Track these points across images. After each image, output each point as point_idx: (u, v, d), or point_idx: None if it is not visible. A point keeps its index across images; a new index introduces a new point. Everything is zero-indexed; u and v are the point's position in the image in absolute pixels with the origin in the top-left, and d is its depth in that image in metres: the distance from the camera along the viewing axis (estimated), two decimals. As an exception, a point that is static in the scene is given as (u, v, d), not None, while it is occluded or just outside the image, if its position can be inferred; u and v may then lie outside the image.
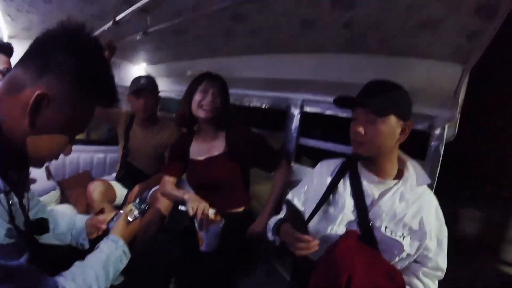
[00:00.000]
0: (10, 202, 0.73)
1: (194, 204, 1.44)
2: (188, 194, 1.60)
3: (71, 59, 0.75)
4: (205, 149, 1.76)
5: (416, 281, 1.13)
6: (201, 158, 1.76)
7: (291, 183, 1.73)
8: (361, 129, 1.11)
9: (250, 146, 1.69)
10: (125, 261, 1.02)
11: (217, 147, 1.73)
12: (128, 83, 2.31)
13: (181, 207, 1.54)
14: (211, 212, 1.44)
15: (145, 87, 2.20)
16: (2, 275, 0.62)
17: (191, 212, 1.43)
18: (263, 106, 2.19)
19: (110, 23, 1.78)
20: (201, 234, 1.44)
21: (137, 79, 2.25)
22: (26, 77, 0.73)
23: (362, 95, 1.14)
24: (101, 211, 1.67)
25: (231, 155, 1.69)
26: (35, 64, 0.74)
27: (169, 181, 1.87)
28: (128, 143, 2.41)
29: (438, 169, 1.46)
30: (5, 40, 2.37)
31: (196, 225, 1.43)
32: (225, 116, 1.71)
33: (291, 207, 1.20)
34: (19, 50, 1.85)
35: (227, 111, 1.71)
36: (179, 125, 1.90)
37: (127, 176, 2.39)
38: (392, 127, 1.09)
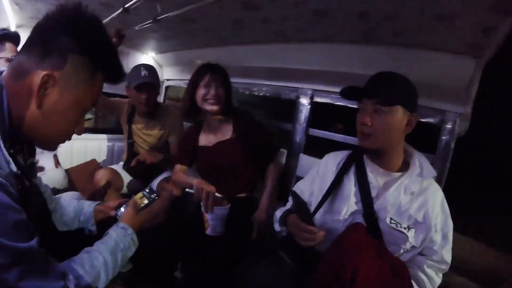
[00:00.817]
0: (20, 187, 0.73)
1: (200, 186, 1.46)
2: (197, 180, 1.61)
3: (72, 38, 0.76)
4: (213, 136, 1.84)
5: (420, 274, 1.13)
6: (211, 144, 1.83)
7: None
8: (368, 120, 1.11)
9: (254, 134, 1.77)
10: (133, 249, 1.02)
11: (225, 133, 1.81)
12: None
13: (189, 190, 1.58)
14: (217, 195, 1.47)
15: (147, 82, 2.11)
16: (11, 259, 0.63)
17: (196, 194, 1.47)
18: (272, 96, 2.18)
19: (119, 11, 1.77)
20: (207, 217, 1.44)
21: (137, 70, 2.14)
22: (31, 62, 0.74)
23: (369, 86, 1.13)
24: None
25: (239, 141, 1.76)
26: (38, 48, 0.75)
27: (181, 169, 1.92)
28: (132, 133, 2.40)
29: (449, 163, 1.45)
30: (13, 28, 2.38)
31: (202, 207, 1.44)
32: (229, 105, 1.79)
33: (297, 198, 1.20)
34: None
35: (230, 100, 1.80)
36: (185, 117, 1.96)
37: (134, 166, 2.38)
38: (398, 118, 1.09)
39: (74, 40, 0.76)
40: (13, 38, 1.87)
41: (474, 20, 1.12)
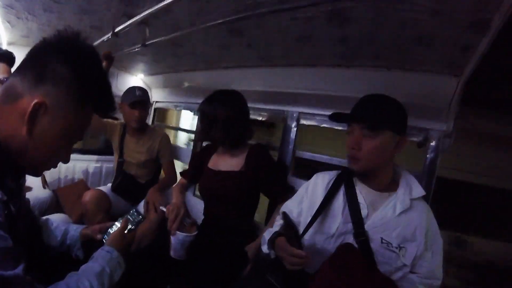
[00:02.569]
0: (6, 212, 0.72)
1: (172, 207, 1.54)
2: (177, 199, 1.68)
3: (68, 68, 0.75)
4: (224, 162, 1.79)
5: None
6: (217, 169, 1.78)
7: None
8: (355, 144, 1.13)
9: (264, 169, 1.68)
10: (119, 272, 1.01)
11: (236, 164, 1.73)
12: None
13: (162, 207, 1.64)
14: (187, 220, 1.53)
15: (141, 100, 2.28)
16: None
17: (166, 215, 1.54)
18: (260, 119, 2.20)
19: (109, 34, 1.80)
20: (171, 238, 1.47)
21: (132, 90, 2.32)
22: (24, 86, 0.74)
23: (356, 111, 1.15)
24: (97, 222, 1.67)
25: (247, 175, 1.68)
26: (32, 73, 0.74)
27: (181, 183, 1.97)
28: (123, 153, 2.44)
29: (434, 180, 1.48)
30: (4, 46, 2.39)
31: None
32: (241, 138, 1.74)
33: (287, 220, 1.20)
34: (18, 57, 1.88)
35: (242, 133, 1.73)
36: (198, 140, 2.08)
37: (123, 184, 2.41)
38: (387, 142, 1.11)
39: (70, 71, 0.76)
40: (7, 58, 1.87)
41: (452, 39, 1.15)
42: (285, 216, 1.22)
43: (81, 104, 0.80)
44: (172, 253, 1.47)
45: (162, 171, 2.58)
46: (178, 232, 1.45)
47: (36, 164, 0.83)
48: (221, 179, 1.72)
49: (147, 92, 2.39)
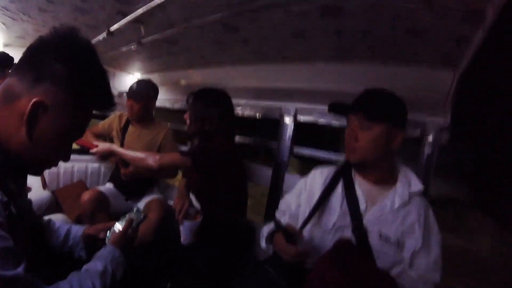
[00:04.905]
0: (8, 212, 0.72)
1: (177, 200, 1.70)
2: (181, 192, 1.83)
3: (65, 66, 0.75)
4: None
5: (411, 287, 1.12)
6: None
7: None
8: (354, 135, 1.13)
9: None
10: (122, 271, 1.01)
11: None
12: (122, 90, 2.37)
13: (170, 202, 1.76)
14: (192, 210, 1.67)
15: (131, 91, 2.28)
16: (1, 286, 0.62)
17: (173, 206, 1.70)
18: (257, 116, 2.21)
19: (104, 33, 1.79)
20: (181, 227, 1.60)
21: (138, 82, 2.34)
22: (22, 86, 0.73)
23: (356, 102, 1.16)
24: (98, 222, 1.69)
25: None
26: (29, 73, 0.74)
27: (184, 181, 2.01)
28: (124, 144, 2.43)
29: (432, 174, 1.48)
30: (0, 48, 2.39)
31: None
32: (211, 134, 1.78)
33: (277, 223, 1.20)
34: (15, 58, 1.88)
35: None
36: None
37: (120, 175, 2.40)
38: (383, 134, 1.10)
39: (67, 68, 0.75)
40: (5, 60, 1.87)
41: (446, 32, 1.15)
42: (277, 222, 1.21)
43: (80, 102, 0.80)
44: (182, 240, 1.59)
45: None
46: (185, 221, 1.57)
47: (36, 163, 0.83)
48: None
49: (147, 86, 2.35)
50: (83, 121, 0.86)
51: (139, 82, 2.35)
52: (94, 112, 0.90)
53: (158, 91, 2.42)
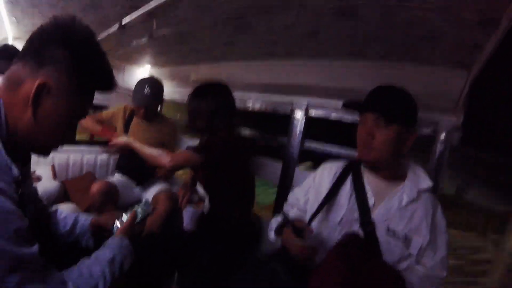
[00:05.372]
0: (20, 192, 0.74)
1: (181, 188, 1.82)
2: (186, 181, 1.92)
3: (66, 51, 0.78)
4: None
5: (417, 283, 1.12)
6: None
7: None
8: (371, 133, 1.12)
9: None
10: (130, 261, 1.02)
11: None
12: (132, 84, 2.34)
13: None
14: (195, 197, 1.75)
15: (147, 98, 2.25)
16: (12, 265, 0.64)
17: (178, 194, 1.81)
18: (267, 110, 2.21)
19: (115, 27, 1.79)
20: (183, 213, 1.71)
21: (141, 86, 2.26)
22: (25, 71, 0.77)
23: (371, 100, 1.15)
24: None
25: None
26: (32, 59, 0.77)
27: (191, 173, 2.05)
28: (128, 132, 2.45)
29: (443, 173, 1.47)
30: (10, 41, 2.41)
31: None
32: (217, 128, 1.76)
33: (286, 217, 1.20)
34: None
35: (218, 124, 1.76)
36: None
37: (126, 163, 2.45)
38: (399, 134, 1.10)
39: (67, 52, 0.78)
40: (13, 54, 1.87)
41: (461, 38, 1.15)
42: (284, 215, 1.22)
43: (82, 83, 0.83)
44: (184, 225, 1.69)
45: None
46: (188, 207, 1.68)
47: (42, 144, 0.86)
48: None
49: (158, 86, 2.32)
50: (85, 101, 0.89)
51: (150, 84, 2.28)
52: (98, 102, 0.93)
53: (163, 89, 2.39)
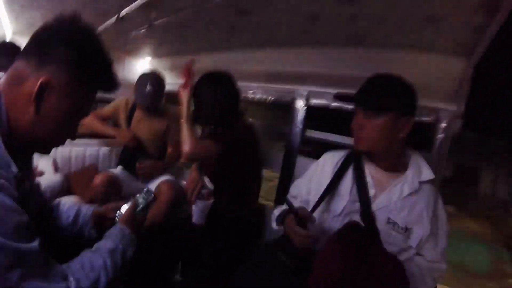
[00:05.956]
0: (20, 189, 0.75)
1: (189, 181, 1.74)
2: (193, 173, 1.81)
3: (69, 50, 0.78)
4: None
5: (417, 274, 1.11)
6: None
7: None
8: (359, 125, 1.13)
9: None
10: (132, 250, 1.02)
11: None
12: (133, 77, 2.34)
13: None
14: (204, 191, 1.69)
15: (150, 96, 2.26)
16: (13, 260, 0.64)
17: (186, 187, 1.74)
18: (268, 99, 2.20)
19: (114, 19, 1.79)
20: (193, 207, 1.64)
21: (143, 82, 2.25)
22: (29, 69, 0.77)
23: (360, 93, 1.14)
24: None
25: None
26: (36, 56, 0.77)
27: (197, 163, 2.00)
28: (130, 125, 2.48)
29: (444, 162, 1.47)
30: (9, 36, 2.41)
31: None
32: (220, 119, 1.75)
33: (290, 206, 1.20)
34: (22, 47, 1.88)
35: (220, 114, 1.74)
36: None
37: (130, 155, 2.47)
38: (390, 123, 1.09)
39: (70, 51, 0.78)
40: (13, 50, 1.87)
41: (462, 20, 1.14)
42: (288, 202, 1.22)
43: (84, 82, 0.83)
44: (194, 220, 1.63)
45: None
46: (197, 201, 1.63)
47: (45, 142, 0.86)
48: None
49: (159, 82, 2.31)
50: (87, 100, 0.89)
51: (152, 81, 2.26)
52: (100, 95, 0.92)
53: (165, 84, 2.39)
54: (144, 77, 2.29)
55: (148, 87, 2.23)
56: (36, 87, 0.75)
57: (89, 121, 2.47)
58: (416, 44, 1.43)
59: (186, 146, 1.56)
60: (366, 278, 0.95)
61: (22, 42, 1.97)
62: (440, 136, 1.48)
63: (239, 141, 1.69)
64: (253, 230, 1.77)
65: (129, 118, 2.49)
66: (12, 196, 0.69)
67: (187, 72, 1.64)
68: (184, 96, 1.62)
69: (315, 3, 1.34)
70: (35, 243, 0.70)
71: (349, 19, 1.37)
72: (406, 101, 1.11)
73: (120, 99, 2.58)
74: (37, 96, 0.76)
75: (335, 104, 1.82)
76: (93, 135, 2.72)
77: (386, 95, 1.09)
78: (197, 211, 1.63)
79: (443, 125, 1.47)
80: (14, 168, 0.74)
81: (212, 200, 1.65)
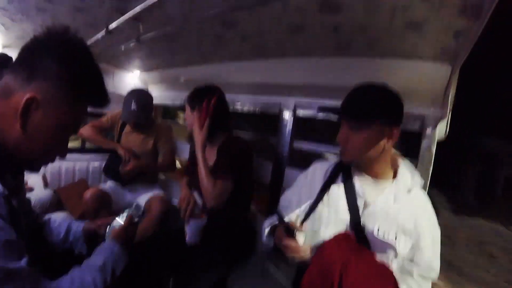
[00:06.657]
0: (8, 207, 0.73)
1: (181, 199, 1.65)
2: (185, 191, 1.74)
3: (58, 64, 0.77)
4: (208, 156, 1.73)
5: (409, 281, 1.12)
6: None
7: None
8: (343, 137, 1.13)
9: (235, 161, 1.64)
10: (122, 266, 1.02)
11: (211, 157, 1.71)
12: (122, 90, 2.34)
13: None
14: (197, 209, 1.62)
15: (134, 114, 2.26)
16: (3, 276, 0.64)
17: (178, 205, 1.66)
18: (256, 111, 2.21)
19: (103, 32, 1.80)
20: (186, 227, 1.58)
21: (129, 100, 2.26)
22: (16, 83, 0.76)
23: (344, 105, 1.14)
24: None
25: (218, 168, 1.65)
26: (24, 70, 0.76)
27: (187, 178, 1.95)
28: (120, 137, 2.48)
29: (431, 168, 1.47)
30: (0, 49, 2.40)
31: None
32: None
33: (280, 219, 1.20)
34: (13, 59, 1.88)
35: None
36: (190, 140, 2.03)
37: (114, 167, 2.42)
38: (375, 134, 1.09)
39: (60, 65, 0.77)
40: (3, 61, 1.86)
41: (443, 25, 1.15)
42: (279, 215, 1.21)
43: (73, 98, 0.81)
44: (187, 239, 1.57)
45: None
46: (191, 220, 1.57)
47: (33, 159, 0.84)
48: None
49: (146, 99, 2.33)
50: (77, 117, 0.87)
51: (137, 99, 2.26)
52: (90, 110, 0.91)
53: (151, 100, 2.42)
54: (129, 96, 2.29)
55: (133, 106, 2.24)
56: (22, 103, 0.73)
57: (89, 134, 2.44)
58: (400, 51, 1.44)
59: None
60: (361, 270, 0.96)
61: (13, 55, 1.98)
62: (425, 142, 1.49)
63: (247, 156, 1.69)
64: (245, 244, 1.74)
65: (120, 132, 2.49)
66: (0, 215, 0.68)
67: (206, 110, 1.57)
68: (199, 139, 1.57)
69: (299, 14, 1.36)
70: (23, 262, 0.69)
71: (332, 28, 1.39)
72: (391, 110, 1.10)
73: (116, 111, 2.54)
74: (23, 113, 0.74)
75: (321, 114, 1.82)
76: (82, 149, 2.71)
77: (370, 105, 1.08)
78: (191, 230, 1.57)
79: (429, 131, 1.47)
80: (1, 188, 0.72)
81: (205, 218, 1.59)
